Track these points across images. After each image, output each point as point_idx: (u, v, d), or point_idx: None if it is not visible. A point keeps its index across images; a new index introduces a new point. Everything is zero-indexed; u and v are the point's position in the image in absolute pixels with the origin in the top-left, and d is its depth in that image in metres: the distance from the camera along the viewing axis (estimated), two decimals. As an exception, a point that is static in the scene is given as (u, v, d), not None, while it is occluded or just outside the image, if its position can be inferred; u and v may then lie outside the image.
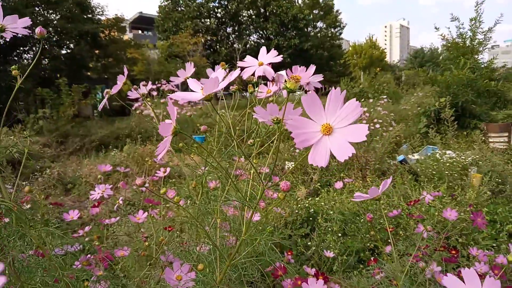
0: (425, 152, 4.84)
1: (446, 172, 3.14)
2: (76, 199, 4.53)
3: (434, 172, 3.22)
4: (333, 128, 0.45)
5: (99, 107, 0.88)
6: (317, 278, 1.18)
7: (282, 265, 1.33)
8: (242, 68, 0.77)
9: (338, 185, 2.23)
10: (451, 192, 2.96)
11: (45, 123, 8.07)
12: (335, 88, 0.45)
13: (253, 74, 0.82)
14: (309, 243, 2.57)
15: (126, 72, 0.84)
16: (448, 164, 3.25)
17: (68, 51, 14.90)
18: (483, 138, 5.80)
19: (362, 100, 8.76)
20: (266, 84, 0.95)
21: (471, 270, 0.50)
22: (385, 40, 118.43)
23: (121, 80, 0.84)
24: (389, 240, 2.27)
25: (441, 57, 14.11)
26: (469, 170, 3.32)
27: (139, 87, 1.25)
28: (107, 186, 1.71)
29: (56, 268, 0.68)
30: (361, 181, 3.94)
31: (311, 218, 2.99)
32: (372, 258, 1.81)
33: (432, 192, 2.01)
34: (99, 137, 7.58)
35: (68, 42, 14.91)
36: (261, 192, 0.59)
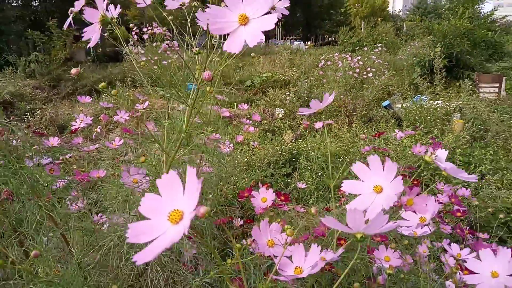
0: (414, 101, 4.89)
1: (429, 118, 3.20)
2: (68, 140, 4.61)
3: (416, 117, 3.28)
4: (249, 18, 0.49)
5: (64, 25, 0.91)
6: (279, 197, 1.27)
7: (250, 189, 1.41)
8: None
9: (318, 125, 2.28)
10: (431, 136, 3.04)
11: (37, 66, 7.98)
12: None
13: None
14: (289, 181, 2.68)
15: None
16: (431, 109, 3.30)
17: (59, -8, 14.37)
18: (474, 88, 5.81)
19: (357, 48, 8.63)
20: None
21: (375, 156, 0.57)
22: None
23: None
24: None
25: (444, 9, 13.68)
26: (452, 116, 3.38)
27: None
28: (88, 118, 1.78)
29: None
30: (347, 127, 4.01)
31: (293, 159, 3.09)
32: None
33: (406, 131, 2.08)
34: (91, 81, 7.52)
35: (58, -17, 14.34)
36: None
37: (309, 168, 2.75)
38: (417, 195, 0.53)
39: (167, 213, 0.35)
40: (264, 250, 0.62)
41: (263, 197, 0.94)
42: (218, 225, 1.45)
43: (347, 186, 0.58)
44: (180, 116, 1.25)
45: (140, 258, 0.32)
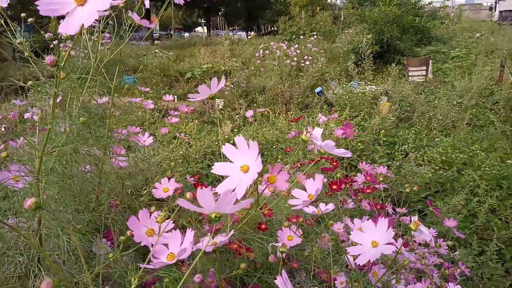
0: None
1: (357, 102, 3.33)
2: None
3: (346, 102, 3.40)
4: (86, -2, 0.47)
5: None
6: (196, 186, 1.26)
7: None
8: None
9: (249, 113, 2.29)
10: (361, 120, 3.16)
11: (-46, 66, 7.34)
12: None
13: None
14: (224, 171, 2.68)
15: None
16: (360, 94, 3.43)
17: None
18: (404, 72, 6.12)
19: (294, 37, 8.78)
20: None
21: (240, 137, 0.57)
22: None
23: None
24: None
25: (377, -4, 14.13)
26: (379, 99, 3.54)
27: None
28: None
29: None
30: (284, 115, 4.07)
31: (230, 149, 3.09)
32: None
33: (330, 115, 2.14)
34: (18, 79, 7.06)
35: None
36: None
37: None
38: (279, 172, 0.54)
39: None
40: (141, 240, 0.60)
41: (165, 188, 0.93)
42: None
43: (218, 168, 0.58)
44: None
45: None
